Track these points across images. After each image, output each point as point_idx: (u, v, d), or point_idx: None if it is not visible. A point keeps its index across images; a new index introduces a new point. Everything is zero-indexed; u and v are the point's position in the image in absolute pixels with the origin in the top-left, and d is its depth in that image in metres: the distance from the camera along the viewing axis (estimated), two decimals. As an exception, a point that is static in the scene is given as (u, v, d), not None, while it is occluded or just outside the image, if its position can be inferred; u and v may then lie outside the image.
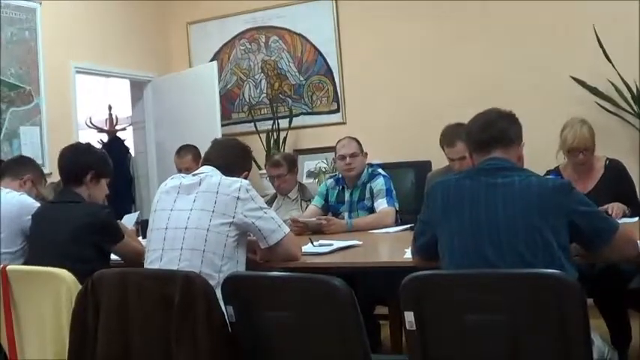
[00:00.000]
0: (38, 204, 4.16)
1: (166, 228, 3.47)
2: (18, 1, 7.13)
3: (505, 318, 2.46)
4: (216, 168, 3.65)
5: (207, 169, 3.64)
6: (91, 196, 3.96)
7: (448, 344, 2.59)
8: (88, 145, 4.24)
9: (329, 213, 5.55)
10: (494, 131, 3.08)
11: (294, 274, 2.85)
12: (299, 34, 8.39)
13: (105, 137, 9.03)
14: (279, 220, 3.61)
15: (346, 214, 5.51)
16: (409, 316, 2.59)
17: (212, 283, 3.08)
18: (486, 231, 2.84)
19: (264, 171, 7.71)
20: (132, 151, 9.13)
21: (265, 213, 3.53)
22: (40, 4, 7.35)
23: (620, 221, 3.47)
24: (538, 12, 7.03)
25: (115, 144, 8.96)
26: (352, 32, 8.06)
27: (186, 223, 3.42)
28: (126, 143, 9.09)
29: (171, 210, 3.51)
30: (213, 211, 3.41)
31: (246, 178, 3.76)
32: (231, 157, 3.79)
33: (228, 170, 3.67)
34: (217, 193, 3.45)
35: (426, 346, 2.59)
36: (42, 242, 3.82)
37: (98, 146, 8.68)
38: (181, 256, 3.36)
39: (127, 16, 8.55)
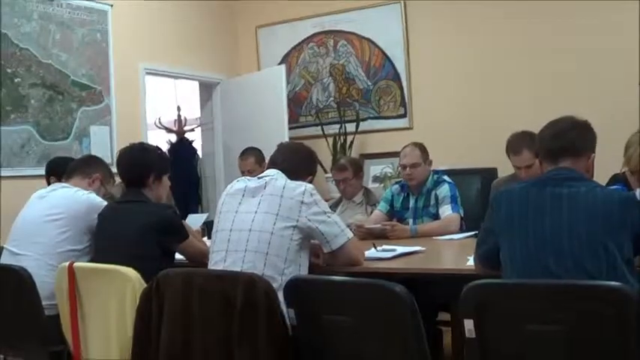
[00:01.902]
0: (105, 203, 4.21)
1: (231, 230, 3.49)
2: (89, 2, 7.25)
3: (566, 329, 2.44)
4: (282, 171, 3.65)
5: (272, 172, 3.64)
6: (156, 196, 4.01)
7: (507, 354, 2.58)
8: (143, 146, 4.26)
9: (394, 219, 5.53)
10: (564, 141, 3.05)
11: (356, 279, 2.84)
12: (367, 39, 8.39)
13: (173, 138, 9.12)
14: (343, 224, 3.60)
15: (411, 221, 5.48)
16: (469, 324, 2.58)
17: (275, 285, 3.11)
18: (549, 241, 2.81)
19: (330, 174, 7.73)
20: (199, 153, 9.21)
21: (329, 217, 3.51)
22: (112, 6, 7.48)
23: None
24: (607, 22, 6.93)
25: (183, 145, 9.05)
26: (420, 37, 8.03)
27: (251, 225, 3.42)
28: (194, 144, 9.17)
29: (236, 212, 3.53)
30: (277, 215, 3.41)
31: (311, 182, 3.76)
32: (296, 161, 3.79)
33: (293, 174, 3.66)
34: (282, 196, 3.45)
35: (485, 355, 2.59)
36: (108, 241, 3.87)
37: (166, 147, 8.83)
38: (245, 257, 3.37)
39: (196, 18, 8.65)
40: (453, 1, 7.79)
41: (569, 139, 3.06)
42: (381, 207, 5.65)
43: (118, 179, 4.63)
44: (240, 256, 3.39)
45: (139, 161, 4.05)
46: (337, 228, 3.53)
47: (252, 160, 6.43)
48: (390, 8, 8.16)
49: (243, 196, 3.58)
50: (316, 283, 2.97)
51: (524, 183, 3.18)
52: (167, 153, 8.43)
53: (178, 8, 8.39)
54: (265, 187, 3.53)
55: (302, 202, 3.44)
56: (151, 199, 3.97)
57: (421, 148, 5.57)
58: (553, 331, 2.45)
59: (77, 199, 4.22)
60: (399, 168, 5.65)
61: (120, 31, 7.55)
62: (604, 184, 4.79)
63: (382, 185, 7.59)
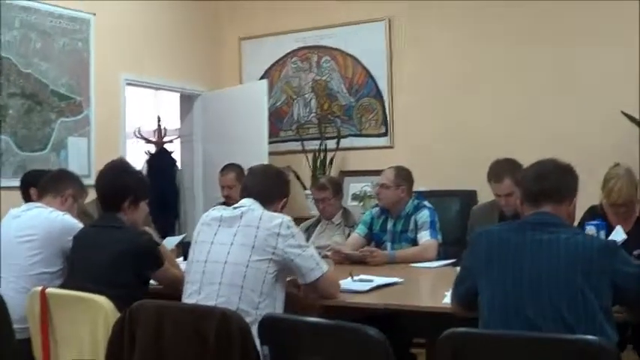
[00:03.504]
0: (81, 225, 4.16)
1: (206, 261, 3.46)
2: (72, 11, 7.18)
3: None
4: (255, 199, 3.64)
5: (247, 202, 3.62)
6: (131, 220, 3.95)
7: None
8: (125, 167, 4.20)
9: (372, 242, 5.53)
10: (547, 185, 3.02)
11: (330, 322, 2.80)
12: (351, 56, 8.36)
13: (152, 148, 9.06)
14: (319, 258, 3.57)
15: (389, 245, 5.47)
16: (445, 371, 2.55)
17: (248, 319, 3.09)
18: (528, 288, 2.78)
19: (309, 192, 7.71)
20: (179, 164, 9.16)
21: (304, 251, 3.49)
22: (94, 15, 7.41)
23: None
24: (591, 45, 6.95)
25: (162, 156, 8.99)
26: (404, 56, 8.01)
27: (226, 257, 3.41)
28: (173, 155, 9.12)
29: (212, 243, 3.50)
30: (253, 247, 3.39)
31: (285, 204, 3.81)
32: (268, 186, 3.77)
33: (267, 199, 3.68)
34: (258, 227, 3.43)
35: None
36: (82, 266, 3.82)
37: (145, 157, 8.78)
38: (219, 291, 3.35)
39: (179, 29, 8.60)
40: (438, 22, 7.79)
41: (552, 184, 3.03)
42: (360, 230, 5.65)
43: (94, 194, 4.59)
44: (215, 289, 3.36)
45: (115, 184, 3.98)
46: (312, 262, 3.51)
47: (232, 176, 6.39)
48: (374, 26, 8.14)
49: (219, 226, 3.55)
50: (290, 323, 2.93)
51: (504, 225, 3.15)
52: (146, 164, 8.47)
53: (161, 19, 8.35)
54: (241, 217, 3.51)
55: (278, 235, 3.42)
56: (126, 223, 3.92)
57: (398, 172, 5.57)
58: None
59: (52, 220, 4.19)
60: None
61: (102, 41, 7.49)
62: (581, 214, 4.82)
63: (361, 204, 7.58)
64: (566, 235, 2.84)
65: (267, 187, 3.76)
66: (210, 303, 3.30)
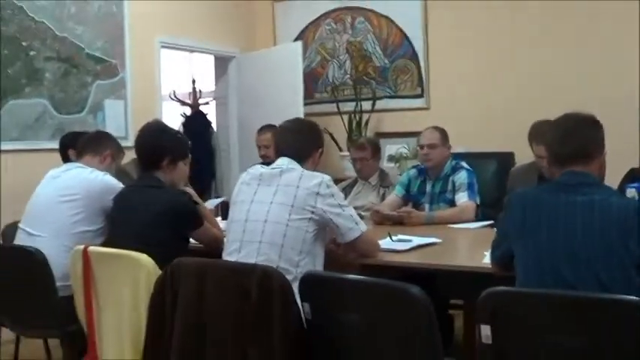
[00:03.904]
0: (121, 185, 4.20)
1: (246, 220, 3.48)
2: (107, -26, 7.19)
3: (581, 341, 2.41)
4: (291, 157, 3.65)
5: (285, 162, 3.62)
6: (170, 180, 3.97)
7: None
8: (163, 127, 4.22)
9: (409, 203, 5.51)
10: (575, 145, 2.97)
11: (371, 280, 2.81)
12: (385, 16, 8.30)
13: (188, 111, 9.07)
14: (357, 217, 3.58)
15: (427, 206, 5.47)
16: (485, 330, 2.55)
17: (289, 277, 3.09)
18: (562, 250, 2.76)
19: (345, 153, 7.72)
20: (214, 126, 9.18)
21: (343, 210, 3.50)
22: (128, -23, 7.41)
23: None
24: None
25: (197, 118, 9.00)
26: (440, 16, 7.94)
27: (266, 216, 3.42)
28: (208, 117, 9.13)
29: (252, 202, 3.52)
30: (292, 206, 3.40)
31: (321, 154, 3.81)
32: (300, 141, 3.76)
33: (301, 155, 3.69)
34: (298, 187, 3.44)
35: (499, 362, 2.57)
36: (123, 226, 3.86)
37: (181, 120, 8.80)
38: (260, 249, 3.37)
39: (213, -8, 8.57)
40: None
41: (579, 143, 2.98)
42: (398, 191, 5.63)
43: (131, 155, 4.62)
44: (255, 247, 3.39)
45: (154, 143, 4.01)
46: (351, 221, 3.52)
47: (269, 136, 6.37)
48: (409, -14, 8.07)
49: (258, 184, 3.57)
50: (331, 281, 2.94)
51: (537, 188, 3.10)
52: (181, 126, 8.49)
53: (195, -19, 8.32)
54: (281, 176, 3.52)
55: (317, 194, 3.43)
56: (165, 182, 3.94)
57: (441, 131, 5.55)
58: (569, 342, 2.42)
59: (92, 180, 4.23)
60: (417, 148, 5.60)
61: (136, 4, 7.48)
62: (618, 177, 4.79)
63: (397, 165, 7.56)
64: (601, 197, 2.80)
65: (300, 142, 3.75)
66: (251, 261, 3.32)
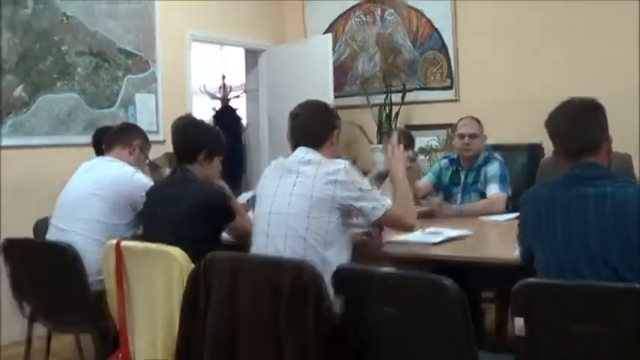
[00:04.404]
0: (152, 183, 4.23)
1: (270, 213, 3.48)
2: (138, -31, 7.23)
3: (613, 331, 2.42)
4: (307, 145, 3.61)
5: (301, 152, 3.59)
6: (205, 175, 3.98)
7: (556, 353, 2.56)
8: (201, 122, 4.25)
9: (440, 192, 5.52)
10: (584, 138, 2.92)
11: (404, 273, 2.82)
12: (415, 9, 8.28)
13: (218, 105, 9.11)
14: (379, 196, 3.55)
15: (459, 195, 5.46)
16: (519, 322, 2.55)
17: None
18: (579, 248, 2.73)
19: (375, 145, 7.72)
20: (244, 120, 9.20)
21: (364, 193, 3.46)
22: (160, -28, 7.44)
23: None
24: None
25: (227, 112, 9.05)
26: (469, 8, 7.90)
27: (287, 208, 3.42)
28: (238, 112, 9.16)
29: (274, 195, 3.51)
30: (311, 197, 3.38)
31: (337, 136, 3.74)
32: (313, 128, 3.69)
33: (318, 142, 3.64)
34: (315, 177, 3.42)
35: (534, 354, 2.57)
36: (155, 219, 3.87)
37: (211, 113, 8.84)
38: (286, 242, 3.37)
39: (243, -15, 8.59)
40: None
41: (588, 134, 2.93)
42: (429, 177, 5.68)
43: (161, 147, 4.64)
44: (281, 241, 3.39)
45: (192, 136, 4.03)
46: (374, 201, 3.49)
47: None
48: (439, -22, 8.05)
49: (280, 177, 3.56)
50: (364, 273, 2.95)
51: (550, 183, 3.05)
52: (212, 120, 8.52)
53: (226, -25, 8.34)
54: (300, 167, 3.51)
55: (336, 182, 3.40)
56: (199, 176, 3.95)
57: (478, 121, 5.56)
58: (601, 332, 2.43)
59: (122, 177, 4.28)
60: (455, 138, 5.57)
61: (167, -2, 7.53)
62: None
63: (427, 157, 7.55)
64: (613, 188, 2.76)
65: (313, 127, 3.69)
66: (278, 255, 3.33)
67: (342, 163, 3.48)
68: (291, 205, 3.41)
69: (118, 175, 4.29)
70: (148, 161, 4.77)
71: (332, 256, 3.34)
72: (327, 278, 3.00)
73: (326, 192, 3.38)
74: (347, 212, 3.45)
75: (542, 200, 2.94)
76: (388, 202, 3.57)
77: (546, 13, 7.39)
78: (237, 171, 8.67)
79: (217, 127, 4.29)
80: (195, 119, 4.28)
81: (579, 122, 2.96)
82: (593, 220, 2.72)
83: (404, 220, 3.71)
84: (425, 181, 5.65)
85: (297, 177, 3.47)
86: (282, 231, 3.41)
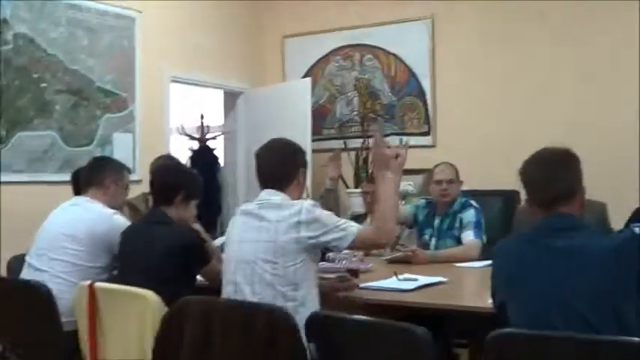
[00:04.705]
0: (128, 223, 4.21)
1: (237, 261, 3.47)
2: (118, 8, 7.25)
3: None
4: (272, 187, 3.58)
5: (265, 195, 3.57)
6: (180, 217, 3.98)
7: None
8: (180, 164, 4.28)
9: (414, 228, 5.69)
10: (557, 187, 2.90)
11: (376, 321, 2.82)
12: (393, 54, 8.37)
13: (195, 145, 9.11)
14: (345, 223, 3.47)
15: (433, 241, 5.49)
16: (492, 371, 2.55)
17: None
18: (551, 301, 2.71)
19: (352, 189, 7.75)
20: (221, 161, 9.20)
21: (328, 227, 3.41)
22: (140, 12, 7.48)
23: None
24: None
25: (205, 153, 9.03)
26: (447, 55, 8.02)
27: (254, 256, 3.39)
28: (216, 152, 9.16)
29: (240, 242, 3.50)
30: (276, 241, 3.36)
31: (304, 175, 3.69)
32: (278, 168, 3.64)
33: (283, 182, 3.59)
34: (278, 222, 3.39)
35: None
36: (130, 261, 3.86)
37: (188, 154, 8.83)
38: (253, 290, 3.36)
39: (223, 27, 8.67)
40: (481, 21, 7.79)
41: (563, 184, 2.91)
42: (409, 208, 5.84)
43: (137, 187, 4.60)
44: (249, 290, 3.38)
45: (171, 178, 4.06)
46: (340, 231, 3.42)
47: None
48: (417, 25, 8.15)
49: (245, 223, 3.54)
50: (337, 321, 2.94)
51: (520, 236, 3.03)
52: (189, 160, 8.52)
53: (206, 17, 8.41)
54: (263, 212, 3.47)
55: (299, 223, 3.37)
56: (175, 219, 3.95)
57: (455, 167, 5.62)
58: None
59: (101, 218, 4.23)
60: (432, 185, 5.60)
61: (147, 38, 7.55)
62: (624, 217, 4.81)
63: (403, 202, 7.55)
64: (583, 240, 2.76)
65: (278, 168, 3.65)
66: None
67: (300, 203, 3.45)
68: (257, 252, 3.39)
69: (96, 219, 4.25)
70: (127, 201, 4.74)
71: (302, 296, 3.35)
72: (299, 318, 3.00)
73: (290, 235, 3.36)
74: (313, 249, 3.43)
75: (513, 254, 2.94)
76: (353, 229, 3.46)
77: (523, 63, 7.51)
78: (212, 211, 8.63)
79: (195, 170, 4.29)
80: (174, 161, 4.29)
81: (553, 171, 2.95)
82: (564, 274, 2.70)
83: (376, 241, 3.62)
84: (408, 210, 5.74)
85: (260, 222, 3.44)
86: (249, 279, 3.39)
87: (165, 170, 4.08)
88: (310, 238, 3.37)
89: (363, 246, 3.71)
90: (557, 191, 2.90)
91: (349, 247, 3.58)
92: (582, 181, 2.99)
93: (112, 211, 4.33)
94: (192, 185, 4.08)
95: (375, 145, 3.76)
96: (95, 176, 4.49)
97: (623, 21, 6.99)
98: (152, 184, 4.05)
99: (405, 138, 7.63)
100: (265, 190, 3.60)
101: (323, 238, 3.40)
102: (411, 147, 7.54)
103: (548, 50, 7.39)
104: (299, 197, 3.62)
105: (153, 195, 4.07)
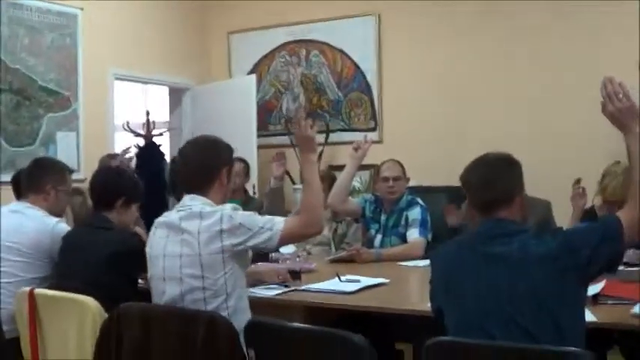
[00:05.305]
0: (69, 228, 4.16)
1: (164, 278, 3.33)
2: (60, 6, 7.18)
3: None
4: (193, 191, 3.41)
5: (187, 201, 3.41)
6: (121, 221, 3.95)
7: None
8: (120, 169, 4.24)
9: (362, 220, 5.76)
10: (497, 191, 2.90)
11: (314, 328, 2.82)
12: (339, 50, 8.39)
13: (141, 142, 9.03)
14: (269, 223, 3.33)
15: (379, 238, 5.54)
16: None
17: (222, 317, 3.08)
18: (488, 307, 2.72)
19: (298, 186, 7.72)
20: (167, 158, 9.14)
21: (254, 230, 3.27)
22: (82, 9, 7.42)
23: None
24: (585, 39, 7.05)
25: (150, 149, 8.96)
26: (393, 50, 8.06)
27: (180, 272, 3.26)
28: (162, 149, 9.09)
29: (164, 257, 3.34)
30: (200, 254, 3.23)
31: (229, 173, 3.48)
32: (197, 169, 3.45)
33: (204, 184, 3.41)
34: (199, 233, 3.24)
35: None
36: (70, 266, 3.82)
37: (134, 150, 8.76)
38: (184, 305, 3.25)
39: (167, 23, 8.63)
40: (427, 16, 7.85)
41: (502, 188, 2.92)
42: (358, 200, 5.90)
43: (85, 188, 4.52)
44: (180, 305, 3.26)
45: (111, 183, 4.02)
46: (265, 232, 3.30)
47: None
48: (364, 20, 8.18)
49: (167, 236, 3.37)
50: (275, 328, 2.94)
51: (458, 242, 3.04)
52: (135, 157, 8.44)
53: (149, 13, 8.36)
54: (184, 225, 3.30)
55: (221, 231, 3.23)
56: (116, 223, 3.92)
57: (401, 164, 5.65)
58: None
59: (43, 228, 4.14)
60: (379, 182, 5.65)
61: (90, 36, 7.50)
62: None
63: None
64: (519, 245, 2.76)
65: (197, 169, 3.46)
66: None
67: (222, 210, 3.29)
68: (183, 267, 3.25)
69: (38, 229, 4.14)
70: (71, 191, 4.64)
71: (233, 305, 3.25)
72: (236, 324, 2.99)
73: (214, 246, 3.22)
74: (240, 254, 3.31)
75: (451, 260, 2.95)
76: (279, 225, 3.33)
77: (470, 58, 7.55)
78: (158, 208, 8.55)
79: (138, 170, 4.25)
80: (113, 167, 4.25)
81: (492, 175, 2.95)
82: (501, 281, 2.72)
83: (305, 232, 3.52)
84: (357, 204, 5.79)
85: (182, 235, 3.29)
86: (179, 297, 3.26)
87: (104, 175, 4.05)
88: (235, 245, 3.25)
89: (293, 239, 3.59)
90: (496, 195, 2.91)
91: (279, 245, 3.48)
92: (522, 185, 3.00)
93: (55, 220, 4.22)
94: (133, 189, 4.06)
95: (297, 127, 3.53)
96: (35, 181, 4.35)
97: (575, 17, 7.11)
98: (92, 188, 4.01)
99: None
100: (187, 196, 3.42)
101: (250, 243, 3.28)
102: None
103: (494, 46, 7.46)
104: (223, 198, 3.46)
105: (93, 199, 4.02)
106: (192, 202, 3.37)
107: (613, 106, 2.82)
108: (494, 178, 2.94)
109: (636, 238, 2.86)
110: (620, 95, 2.80)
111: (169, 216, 3.42)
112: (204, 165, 3.46)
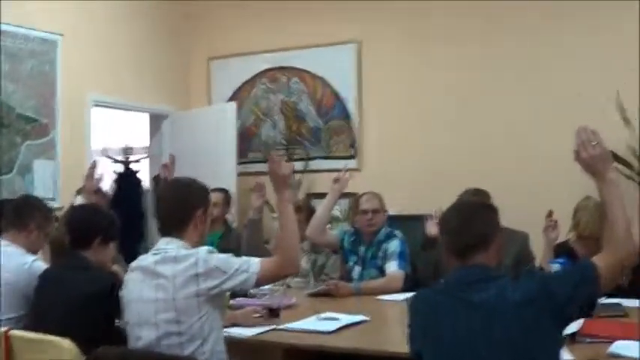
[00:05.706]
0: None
1: (139, 325, 3.29)
2: (40, 32, 7.15)
3: None
4: (170, 234, 3.38)
5: (162, 244, 3.37)
6: (98, 260, 3.91)
7: None
8: (97, 207, 4.19)
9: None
10: (475, 236, 2.89)
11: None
12: (320, 77, 8.39)
13: (120, 168, 9.01)
14: (245, 265, 3.29)
15: (358, 269, 5.53)
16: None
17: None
18: (465, 352, 2.70)
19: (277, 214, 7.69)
20: (147, 184, 9.11)
21: (230, 272, 3.23)
22: (62, 35, 7.37)
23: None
24: (562, 74, 7.08)
25: (128, 176, 8.94)
26: (373, 78, 8.08)
27: (155, 317, 3.22)
28: (140, 175, 9.07)
29: (139, 301, 3.31)
30: (174, 299, 3.19)
31: (204, 214, 3.43)
32: (172, 212, 3.42)
33: (179, 226, 3.38)
34: (175, 277, 3.20)
35: None
36: (47, 307, 3.77)
37: (113, 177, 8.73)
38: (160, 350, 3.20)
39: (147, 50, 8.60)
40: (408, 45, 7.88)
41: (480, 231, 2.90)
42: (336, 231, 5.92)
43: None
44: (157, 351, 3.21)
45: (88, 222, 3.96)
46: (241, 274, 3.26)
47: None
48: (344, 48, 8.21)
49: (142, 280, 3.33)
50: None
51: (436, 288, 3.02)
52: (114, 184, 8.41)
53: (129, 39, 8.34)
54: (160, 269, 3.26)
55: (197, 275, 3.18)
56: (92, 262, 3.88)
57: (380, 197, 5.66)
58: None
59: (20, 268, 4.09)
60: (358, 214, 5.66)
61: (69, 62, 7.47)
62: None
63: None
64: (496, 292, 2.74)
65: (172, 212, 3.43)
66: None
67: (197, 254, 3.24)
68: (158, 312, 3.21)
69: (15, 268, 4.09)
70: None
71: (212, 346, 3.22)
72: None
73: (189, 290, 3.18)
74: (216, 297, 3.27)
75: (430, 306, 2.92)
76: (255, 267, 3.29)
77: (450, 87, 7.58)
78: (135, 236, 8.52)
79: (111, 212, 4.19)
80: (89, 205, 4.20)
81: (469, 218, 2.95)
82: (478, 326, 2.70)
83: (280, 273, 3.48)
84: (335, 236, 5.81)
85: (157, 280, 3.25)
86: (155, 343, 3.22)
87: (80, 214, 4.00)
88: (211, 288, 3.20)
89: (269, 281, 3.53)
90: (472, 240, 2.89)
91: (256, 286, 3.48)
92: (499, 231, 2.98)
93: (32, 258, 4.19)
94: (110, 228, 4.00)
95: (271, 164, 3.47)
96: (20, 218, 4.35)
97: (556, 43, 7.17)
98: (68, 228, 3.97)
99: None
100: (162, 239, 3.40)
101: (226, 286, 3.25)
102: (337, 171, 7.70)
103: (474, 75, 7.48)
104: (200, 240, 3.42)
105: (70, 239, 3.97)
106: (168, 245, 3.34)
107: (587, 153, 2.83)
108: (470, 224, 2.93)
109: (615, 282, 2.87)
110: (594, 143, 2.81)
111: (145, 260, 3.37)
112: (178, 207, 3.42)
